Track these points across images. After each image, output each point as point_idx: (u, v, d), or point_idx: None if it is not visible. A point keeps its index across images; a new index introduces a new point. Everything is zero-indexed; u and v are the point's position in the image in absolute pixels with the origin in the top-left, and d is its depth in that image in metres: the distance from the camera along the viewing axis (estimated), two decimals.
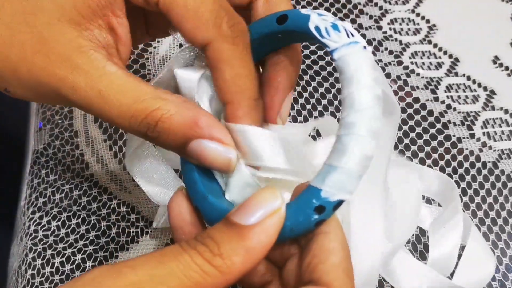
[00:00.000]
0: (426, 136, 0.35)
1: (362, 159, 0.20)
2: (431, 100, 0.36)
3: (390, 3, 0.41)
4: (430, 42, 0.39)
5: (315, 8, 0.39)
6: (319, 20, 0.21)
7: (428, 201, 0.32)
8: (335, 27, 0.21)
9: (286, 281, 0.22)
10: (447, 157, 0.34)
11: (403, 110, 0.36)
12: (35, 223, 0.32)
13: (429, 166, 0.34)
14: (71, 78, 0.21)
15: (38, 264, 0.31)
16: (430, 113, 0.36)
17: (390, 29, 0.39)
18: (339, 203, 0.20)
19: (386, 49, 0.38)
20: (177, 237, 0.24)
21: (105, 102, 0.21)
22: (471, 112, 0.36)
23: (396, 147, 0.34)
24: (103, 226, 0.32)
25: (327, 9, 0.40)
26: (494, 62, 0.38)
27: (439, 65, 0.38)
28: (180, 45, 0.38)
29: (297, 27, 0.22)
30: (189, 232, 0.23)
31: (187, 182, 0.24)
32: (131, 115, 0.21)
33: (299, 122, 0.35)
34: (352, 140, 0.20)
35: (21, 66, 0.21)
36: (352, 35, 0.21)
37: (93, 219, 0.32)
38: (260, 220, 0.20)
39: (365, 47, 0.21)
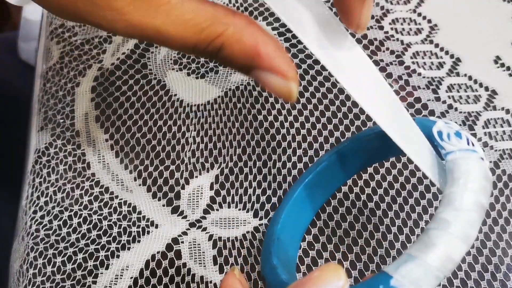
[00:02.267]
0: None
1: (447, 260, 0.18)
2: (433, 100, 0.36)
3: (391, 3, 0.41)
4: (431, 42, 0.39)
5: None
6: (444, 126, 0.21)
7: None
8: (458, 134, 0.21)
9: None
10: None
11: None
12: (36, 222, 0.32)
13: None
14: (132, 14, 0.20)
15: (40, 264, 0.31)
16: (432, 113, 0.36)
17: (391, 29, 0.39)
18: None
19: (387, 49, 0.38)
20: None
21: (165, 39, 0.21)
22: (473, 112, 0.36)
23: None
24: (105, 225, 0.32)
25: (329, 9, 0.40)
26: (496, 62, 0.38)
27: (440, 65, 0.38)
28: None
29: (422, 130, 0.22)
30: None
31: (264, 249, 0.25)
32: (194, 45, 0.21)
33: (305, 116, 0.35)
34: (442, 236, 0.19)
35: None
36: (473, 145, 0.21)
37: (95, 219, 0.32)
38: None
39: (482, 159, 0.20)
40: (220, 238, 0.31)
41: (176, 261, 0.31)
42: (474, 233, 0.19)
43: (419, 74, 0.37)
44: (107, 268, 0.31)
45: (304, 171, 0.33)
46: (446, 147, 0.21)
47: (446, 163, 0.20)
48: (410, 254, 0.19)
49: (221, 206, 0.32)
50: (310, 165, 0.33)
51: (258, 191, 0.33)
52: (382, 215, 0.32)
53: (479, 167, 0.20)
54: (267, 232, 0.26)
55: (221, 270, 0.31)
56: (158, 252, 0.31)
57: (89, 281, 0.30)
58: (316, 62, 0.38)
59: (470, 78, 0.37)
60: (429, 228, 0.19)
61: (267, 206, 0.32)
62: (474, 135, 0.35)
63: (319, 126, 0.35)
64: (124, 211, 0.32)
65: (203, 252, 0.31)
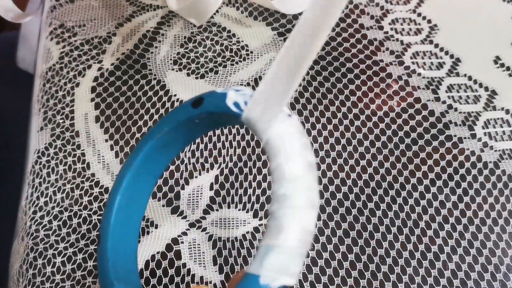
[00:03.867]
0: (427, 136, 0.35)
1: (302, 234, 0.17)
2: (432, 100, 0.36)
3: (391, 3, 0.41)
4: (431, 42, 0.39)
5: None
6: (236, 95, 0.20)
7: None
8: None
9: None
10: (448, 157, 0.34)
11: (404, 110, 0.36)
12: (36, 222, 0.32)
13: (430, 166, 0.34)
14: None
15: (39, 264, 0.31)
16: (431, 113, 0.36)
17: (391, 29, 0.39)
18: None
19: (387, 49, 0.38)
20: None
21: None
22: (472, 112, 0.36)
23: (397, 147, 0.34)
24: None
25: None
26: (496, 62, 0.38)
27: (440, 65, 0.38)
28: (181, 45, 0.38)
29: (215, 107, 0.20)
30: None
31: (99, 265, 0.23)
32: None
33: (305, 117, 0.35)
34: (288, 214, 0.17)
35: None
36: None
37: (94, 219, 0.32)
38: None
39: (289, 115, 0.19)
40: (220, 238, 0.31)
41: (176, 262, 0.31)
42: (315, 195, 0.18)
43: (419, 74, 0.37)
44: None
45: None
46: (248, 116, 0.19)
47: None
48: (267, 245, 0.18)
49: (220, 206, 0.32)
50: None
51: (258, 191, 0.33)
52: (382, 216, 0.32)
53: (290, 125, 0.19)
54: (98, 253, 0.25)
55: (221, 271, 0.31)
56: (158, 252, 0.31)
57: (89, 281, 0.30)
58: (316, 62, 0.38)
59: (470, 78, 0.37)
60: (273, 210, 0.18)
61: (267, 206, 0.32)
62: (474, 135, 0.35)
63: (318, 126, 0.35)
64: None
65: (203, 253, 0.31)
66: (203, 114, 0.21)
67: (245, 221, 0.32)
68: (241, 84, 0.37)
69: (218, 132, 0.35)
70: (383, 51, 0.38)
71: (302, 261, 0.18)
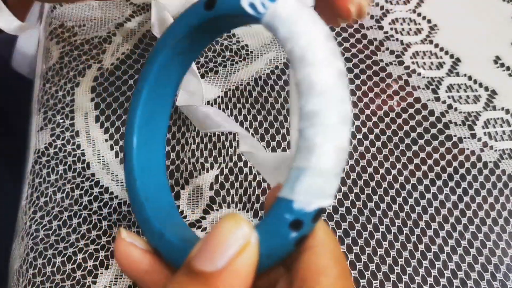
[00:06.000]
0: (427, 136, 0.35)
1: (337, 152, 0.16)
2: (432, 100, 0.36)
3: (391, 3, 0.41)
4: (431, 42, 0.39)
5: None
6: None
7: None
8: None
9: None
10: (448, 157, 0.34)
11: (404, 110, 0.36)
12: (36, 222, 0.32)
13: (430, 166, 0.34)
14: None
15: (39, 264, 0.31)
16: (431, 113, 0.36)
17: (391, 29, 0.39)
18: (319, 211, 0.16)
19: (387, 49, 0.38)
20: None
21: None
22: (472, 112, 0.36)
23: (397, 146, 0.34)
24: (104, 225, 0.32)
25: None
26: (495, 62, 0.38)
27: (440, 65, 0.38)
28: None
29: (229, 9, 0.19)
30: (153, 281, 0.20)
31: (139, 218, 0.21)
32: None
33: None
34: (320, 132, 0.16)
35: None
36: None
37: (94, 219, 0.32)
38: (229, 262, 0.15)
39: (316, 18, 0.17)
40: None
41: None
42: (348, 107, 0.16)
43: (419, 74, 0.37)
44: (107, 268, 0.31)
45: None
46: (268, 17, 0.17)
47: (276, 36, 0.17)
48: (299, 167, 0.16)
49: (221, 206, 0.32)
50: None
51: (258, 191, 0.33)
52: (382, 215, 0.32)
53: (317, 30, 0.16)
54: (130, 197, 0.22)
55: None
56: None
57: (89, 281, 0.30)
58: None
59: (470, 78, 0.37)
60: (302, 128, 0.16)
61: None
62: (474, 135, 0.35)
63: None
64: (124, 211, 0.32)
65: None
66: (217, 17, 0.19)
67: None
68: (241, 85, 0.37)
69: (218, 132, 0.35)
70: (383, 51, 0.38)
71: (338, 181, 0.16)
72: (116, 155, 0.34)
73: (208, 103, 0.36)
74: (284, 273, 0.19)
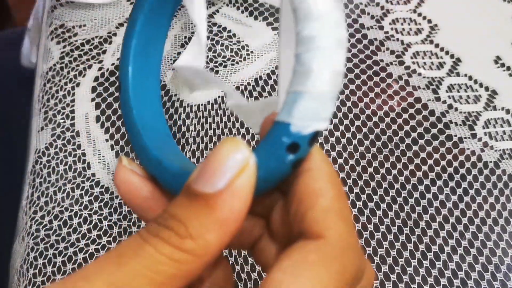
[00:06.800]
0: (427, 136, 0.35)
1: (333, 76, 0.16)
2: (433, 100, 0.36)
3: (391, 3, 0.41)
4: (431, 42, 0.39)
5: None
6: None
7: None
8: None
9: (275, 233, 0.19)
10: (449, 157, 0.34)
11: (405, 110, 0.36)
12: (36, 222, 0.32)
13: (430, 166, 0.34)
14: None
15: (40, 264, 0.31)
16: (432, 113, 0.36)
17: (391, 29, 0.39)
18: (315, 135, 0.17)
19: (387, 49, 0.38)
20: (141, 216, 0.20)
21: None
22: (473, 112, 0.36)
23: (397, 146, 0.34)
24: (105, 225, 0.32)
25: None
26: (496, 62, 0.38)
27: (440, 65, 0.38)
28: (182, 45, 0.38)
29: None
30: (152, 208, 0.20)
31: (135, 146, 0.21)
32: None
33: None
34: (316, 56, 0.16)
35: None
36: None
37: (95, 219, 0.32)
38: (228, 183, 0.16)
39: None
40: None
41: None
42: (343, 31, 0.16)
43: (419, 74, 0.37)
44: None
45: None
46: None
47: None
48: (295, 91, 0.16)
49: None
50: None
51: None
52: (382, 215, 0.32)
53: None
54: (127, 126, 0.22)
55: None
56: None
57: None
58: None
59: (470, 78, 0.37)
60: (298, 53, 0.16)
61: None
62: (474, 135, 0.35)
63: None
64: (124, 211, 0.32)
65: None
66: None
67: None
68: (242, 85, 0.37)
69: (218, 131, 0.35)
70: (384, 51, 0.38)
71: (333, 105, 0.17)
72: (117, 155, 0.34)
73: (208, 103, 0.36)
74: (280, 198, 0.19)
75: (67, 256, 0.31)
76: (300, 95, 0.16)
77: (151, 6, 0.23)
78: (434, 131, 0.35)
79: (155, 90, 0.24)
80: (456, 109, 0.36)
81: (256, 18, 0.40)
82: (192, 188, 0.16)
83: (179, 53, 0.38)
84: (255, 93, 0.36)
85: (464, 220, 0.32)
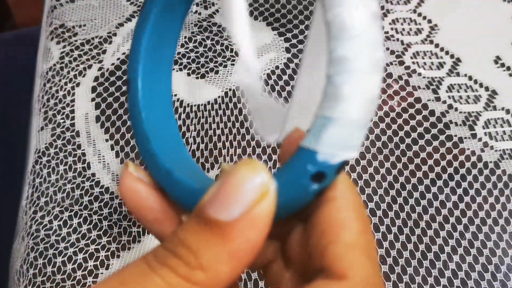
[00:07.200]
0: (427, 136, 0.35)
1: (365, 103, 0.15)
2: (433, 100, 0.36)
3: (391, 3, 0.41)
4: (431, 42, 0.39)
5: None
6: None
7: None
8: None
9: (291, 259, 0.18)
10: (449, 157, 0.34)
11: (405, 110, 0.36)
12: (36, 222, 0.32)
13: (430, 166, 0.34)
14: None
15: (40, 264, 0.31)
16: (432, 113, 0.36)
17: (391, 29, 0.39)
18: (343, 164, 0.15)
19: (387, 49, 0.38)
20: (147, 227, 0.19)
21: None
22: (473, 112, 0.36)
23: (397, 147, 0.34)
24: (105, 225, 0.32)
25: None
26: (496, 62, 0.38)
27: (440, 65, 0.38)
28: (182, 45, 0.38)
29: None
30: (158, 220, 0.18)
31: (143, 153, 0.19)
32: None
33: None
34: (349, 80, 0.15)
35: None
36: None
37: (95, 219, 0.32)
38: (245, 211, 0.14)
39: None
40: None
41: None
42: (380, 54, 0.15)
43: (419, 74, 0.37)
44: (107, 268, 0.31)
45: None
46: None
47: None
48: (324, 116, 0.15)
49: None
50: None
51: None
52: (383, 215, 0.32)
53: None
54: (135, 130, 0.20)
55: None
56: None
57: (89, 281, 0.30)
58: None
59: (470, 78, 0.37)
60: (330, 75, 0.15)
61: None
62: (475, 135, 0.35)
63: None
64: (124, 211, 0.32)
65: None
66: None
67: None
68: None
69: (218, 131, 0.35)
70: (384, 51, 0.38)
71: (364, 133, 0.15)
72: (117, 155, 0.34)
73: (208, 103, 0.36)
74: (298, 223, 0.18)
75: (67, 256, 0.31)
76: (329, 121, 0.15)
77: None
78: (434, 131, 0.35)
79: (166, 90, 0.22)
80: (456, 109, 0.36)
81: (256, 18, 0.40)
82: (205, 213, 0.14)
83: (179, 53, 0.38)
84: None
85: (464, 220, 0.32)
